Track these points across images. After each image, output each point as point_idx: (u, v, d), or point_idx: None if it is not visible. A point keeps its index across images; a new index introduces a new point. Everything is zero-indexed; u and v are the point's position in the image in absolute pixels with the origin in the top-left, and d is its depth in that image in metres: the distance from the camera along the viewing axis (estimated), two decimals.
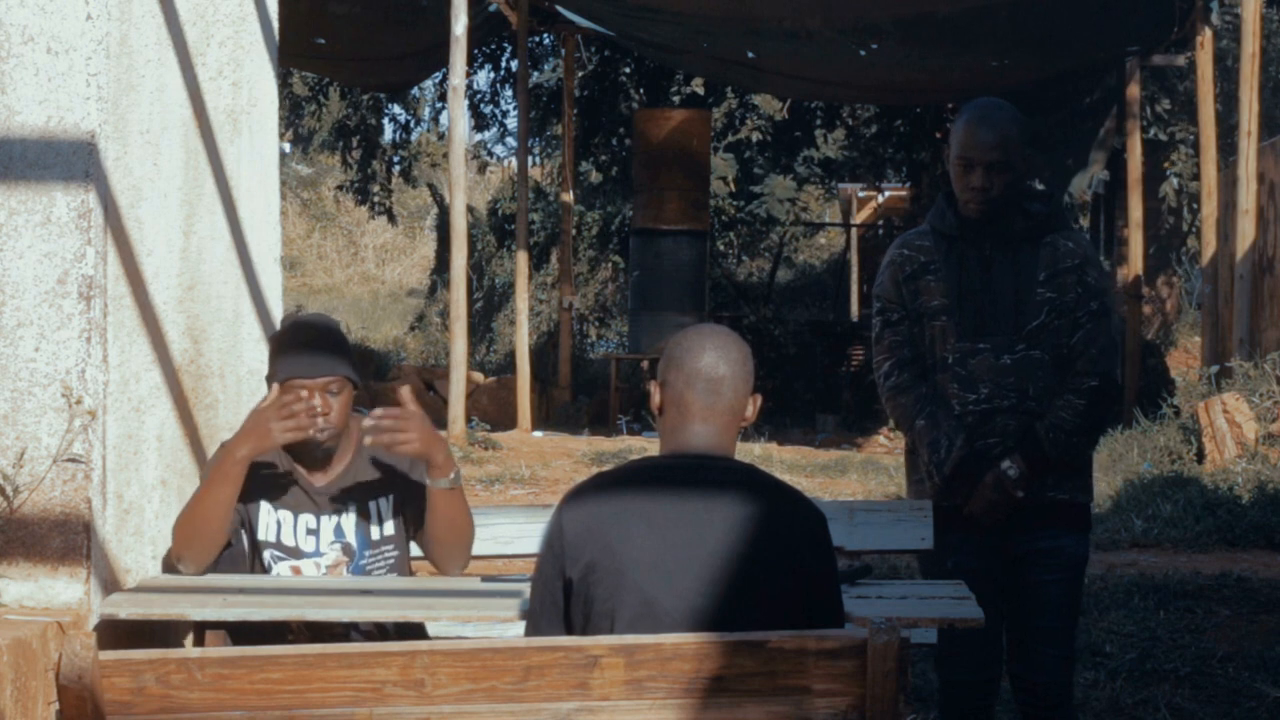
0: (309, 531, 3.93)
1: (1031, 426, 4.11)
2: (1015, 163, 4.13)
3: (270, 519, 3.92)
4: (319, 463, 3.93)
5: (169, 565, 3.86)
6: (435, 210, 28.74)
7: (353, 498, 3.94)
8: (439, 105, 24.14)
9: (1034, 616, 4.18)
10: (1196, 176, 16.15)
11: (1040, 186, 18.43)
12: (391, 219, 25.14)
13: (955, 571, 4.12)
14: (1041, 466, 4.11)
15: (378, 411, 3.76)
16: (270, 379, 3.90)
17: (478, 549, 4.03)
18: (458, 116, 12.38)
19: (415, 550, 4.09)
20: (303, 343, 3.87)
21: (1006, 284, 4.15)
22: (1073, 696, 4.30)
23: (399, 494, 3.96)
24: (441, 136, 24.66)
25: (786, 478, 9.94)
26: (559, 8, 16.15)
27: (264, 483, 3.92)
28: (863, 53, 15.47)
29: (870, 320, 4.42)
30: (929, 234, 4.28)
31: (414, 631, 3.79)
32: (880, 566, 6.98)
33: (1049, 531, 4.16)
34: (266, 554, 3.93)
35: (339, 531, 3.94)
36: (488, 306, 25.06)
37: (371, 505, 3.95)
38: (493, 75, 22.01)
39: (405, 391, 3.79)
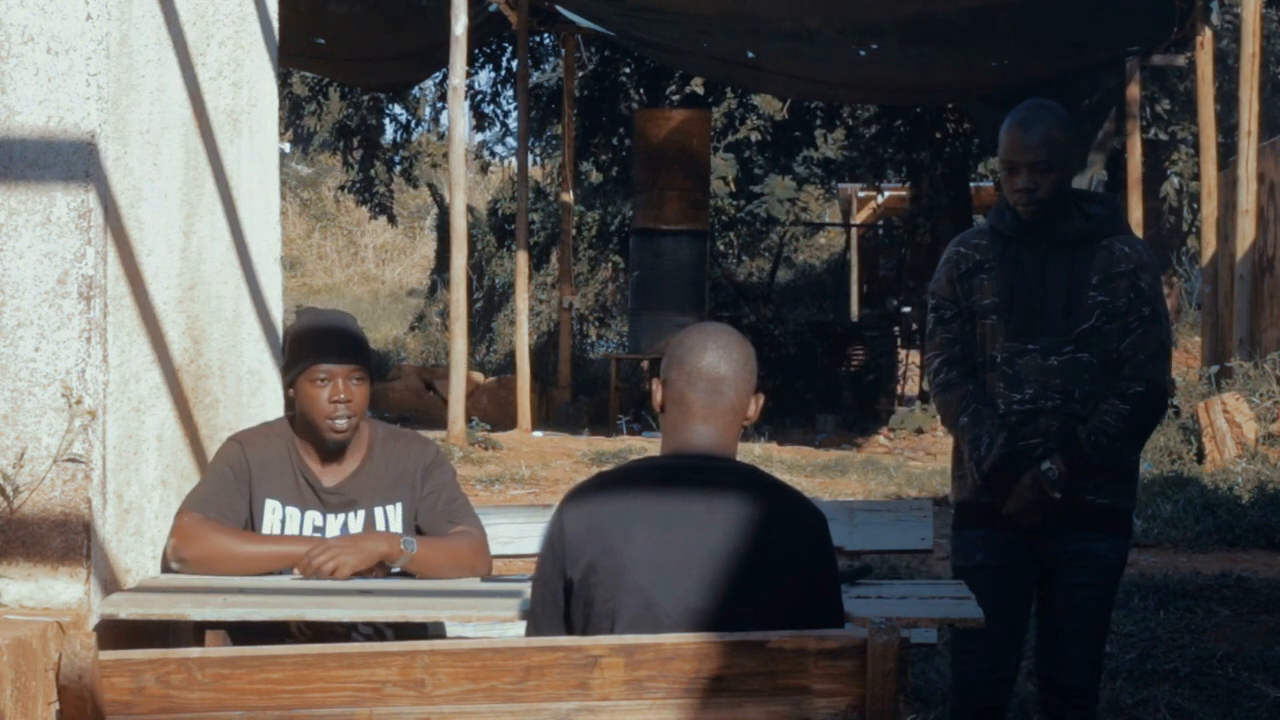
0: (315, 529, 3.92)
1: (1074, 429, 4.10)
2: (1060, 162, 4.11)
3: (275, 517, 3.91)
4: (332, 456, 3.93)
5: (167, 564, 3.86)
6: (435, 210, 28.75)
7: (361, 501, 3.93)
8: (439, 105, 24.16)
9: (1062, 618, 4.17)
10: (1196, 176, 16.15)
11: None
12: (391, 219, 25.14)
13: (984, 567, 4.12)
14: (1082, 469, 4.09)
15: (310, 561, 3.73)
16: (289, 367, 3.89)
17: None
18: (458, 116, 12.39)
19: None
20: (326, 331, 3.90)
21: (1059, 285, 4.13)
22: (1097, 698, 4.29)
23: (408, 506, 3.95)
24: (442, 136, 24.67)
25: (786, 478, 9.94)
26: (559, 8, 16.16)
27: (273, 478, 3.91)
28: (863, 53, 15.47)
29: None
30: (987, 233, 4.26)
31: (422, 632, 3.78)
32: (880, 566, 6.98)
33: (1083, 535, 4.15)
34: None
35: (345, 531, 3.93)
36: (488, 306, 25.07)
37: (379, 511, 3.92)
38: (493, 75, 22.03)
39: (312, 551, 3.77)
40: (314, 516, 3.92)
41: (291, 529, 3.90)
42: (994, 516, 4.16)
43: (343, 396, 3.84)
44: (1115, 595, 4.30)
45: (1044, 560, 4.17)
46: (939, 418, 4.39)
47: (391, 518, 3.94)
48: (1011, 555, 4.15)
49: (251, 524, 3.91)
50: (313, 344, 3.87)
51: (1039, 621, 4.23)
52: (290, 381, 3.91)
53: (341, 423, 3.86)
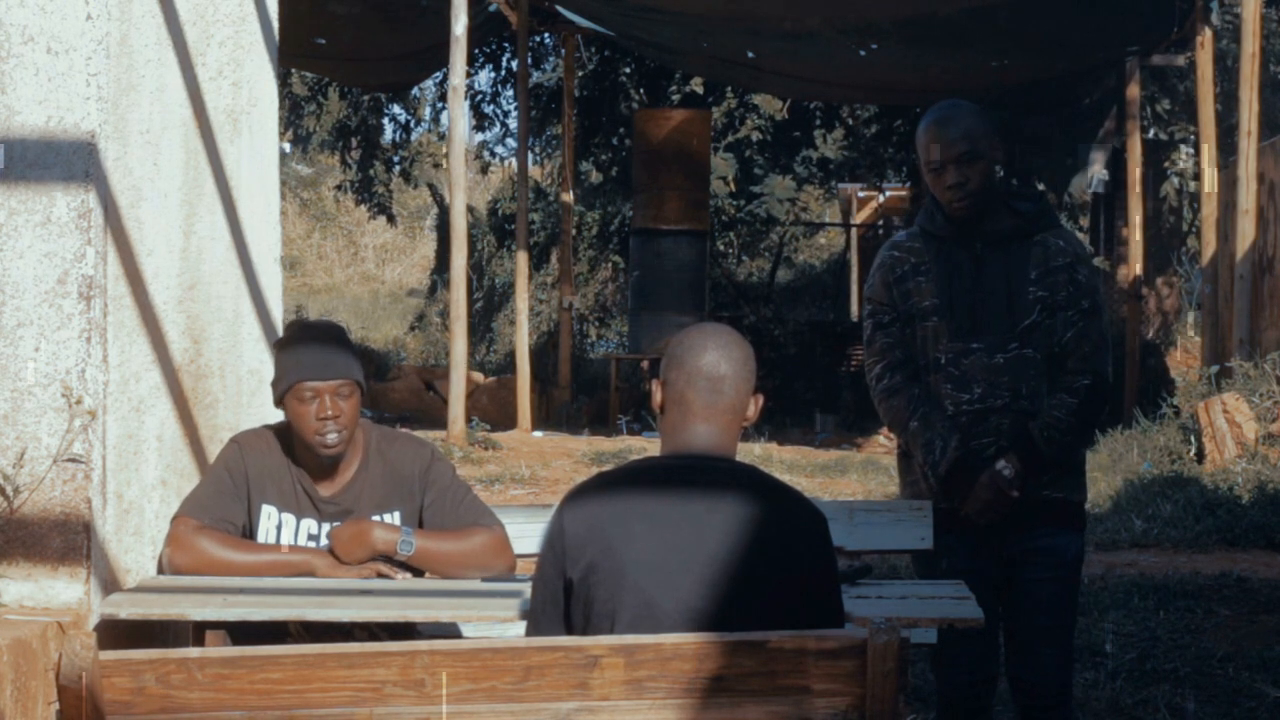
0: (310, 537, 3.90)
1: (1025, 426, 4.11)
2: (985, 151, 4.12)
3: (270, 523, 3.89)
4: (326, 471, 3.91)
5: (161, 565, 3.85)
6: (435, 210, 28.76)
7: (358, 509, 3.90)
8: (439, 105, 24.15)
9: (1030, 616, 4.17)
10: (1197, 176, 16.15)
11: (1040, 186, 18.43)
12: (391, 219, 25.14)
13: (950, 573, 4.11)
14: (1036, 466, 4.10)
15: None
16: (277, 383, 3.86)
17: None
18: (458, 116, 12.39)
19: None
20: (311, 346, 3.84)
21: (998, 283, 4.14)
22: (1071, 695, 4.29)
23: (407, 511, 3.93)
24: (442, 136, 24.66)
25: (786, 478, 9.94)
26: (559, 8, 16.16)
27: (270, 484, 3.90)
28: (863, 53, 15.47)
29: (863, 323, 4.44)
30: (919, 235, 4.26)
31: (413, 633, 3.78)
32: (880, 566, 6.99)
33: (1043, 530, 4.15)
34: None
35: None
36: (488, 306, 25.06)
37: (376, 519, 3.90)
38: (493, 75, 22.04)
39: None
40: (309, 525, 3.90)
41: (287, 535, 3.89)
42: (951, 521, 4.16)
43: (330, 413, 3.79)
44: (1078, 590, 4.30)
45: (1006, 560, 4.17)
46: (886, 423, 4.38)
47: (391, 523, 3.92)
48: (975, 558, 4.15)
49: (249, 529, 3.90)
50: (297, 361, 3.81)
51: (1006, 623, 4.22)
52: (278, 398, 3.88)
53: (331, 438, 3.82)
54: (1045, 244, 4.17)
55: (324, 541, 3.90)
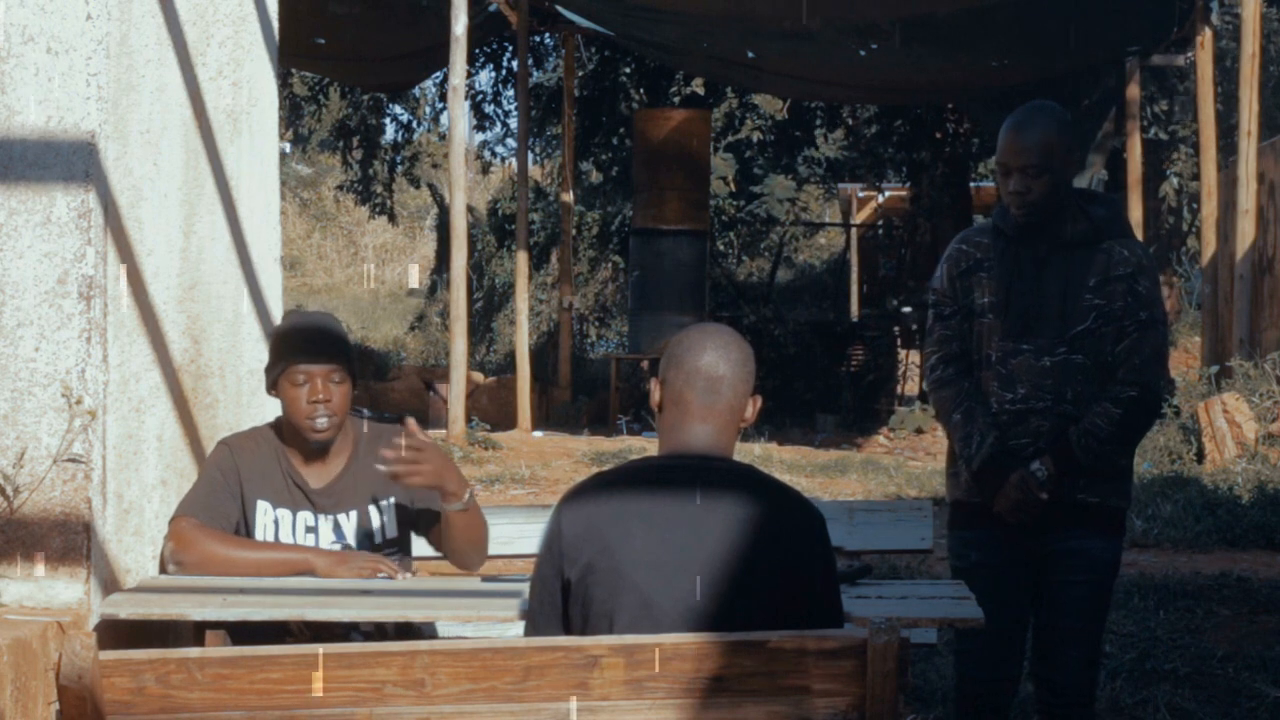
0: (308, 529, 3.92)
1: (1065, 430, 4.11)
2: (1054, 166, 4.10)
3: (267, 518, 3.91)
4: (316, 455, 3.93)
5: (163, 568, 3.86)
6: (435, 210, 28.77)
7: (352, 500, 3.93)
8: (439, 105, 24.16)
9: (1057, 617, 4.18)
10: (1196, 176, 16.15)
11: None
12: (392, 219, 25.14)
13: (979, 566, 4.12)
14: (1071, 470, 4.10)
15: (389, 452, 3.71)
16: (270, 369, 3.90)
17: None
18: (458, 116, 12.40)
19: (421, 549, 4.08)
20: (305, 332, 3.90)
21: (1055, 287, 4.14)
22: (1095, 698, 4.29)
23: (400, 502, 3.95)
24: (442, 136, 24.66)
25: (786, 478, 9.94)
26: (559, 8, 16.16)
27: (262, 481, 3.91)
28: (862, 53, 15.47)
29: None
30: (990, 231, 4.27)
31: (414, 632, 3.79)
32: (880, 566, 6.98)
33: (1076, 533, 4.15)
34: None
35: (339, 531, 3.94)
36: (488, 306, 25.06)
37: (372, 509, 3.94)
38: (493, 75, 22.03)
39: (411, 422, 3.78)
40: (305, 517, 3.92)
41: (285, 530, 3.91)
42: (987, 516, 4.17)
43: (321, 396, 3.84)
44: (1110, 594, 4.31)
45: (1038, 559, 4.18)
46: (935, 413, 4.40)
47: (386, 513, 3.95)
48: (1006, 554, 4.16)
49: (245, 526, 3.92)
50: (291, 345, 3.87)
51: (1035, 622, 4.23)
52: (272, 383, 3.91)
53: (322, 422, 3.85)
54: (1110, 252, 4.15)
55: (323, 534, 3.92)
